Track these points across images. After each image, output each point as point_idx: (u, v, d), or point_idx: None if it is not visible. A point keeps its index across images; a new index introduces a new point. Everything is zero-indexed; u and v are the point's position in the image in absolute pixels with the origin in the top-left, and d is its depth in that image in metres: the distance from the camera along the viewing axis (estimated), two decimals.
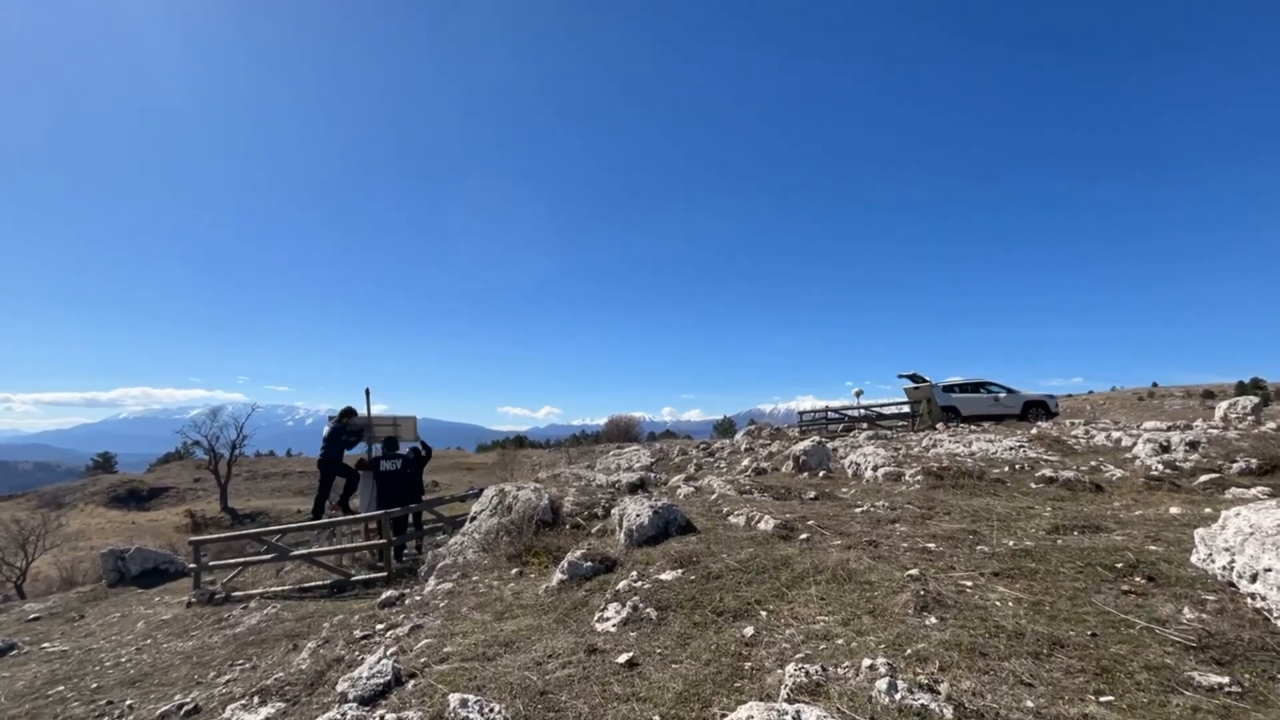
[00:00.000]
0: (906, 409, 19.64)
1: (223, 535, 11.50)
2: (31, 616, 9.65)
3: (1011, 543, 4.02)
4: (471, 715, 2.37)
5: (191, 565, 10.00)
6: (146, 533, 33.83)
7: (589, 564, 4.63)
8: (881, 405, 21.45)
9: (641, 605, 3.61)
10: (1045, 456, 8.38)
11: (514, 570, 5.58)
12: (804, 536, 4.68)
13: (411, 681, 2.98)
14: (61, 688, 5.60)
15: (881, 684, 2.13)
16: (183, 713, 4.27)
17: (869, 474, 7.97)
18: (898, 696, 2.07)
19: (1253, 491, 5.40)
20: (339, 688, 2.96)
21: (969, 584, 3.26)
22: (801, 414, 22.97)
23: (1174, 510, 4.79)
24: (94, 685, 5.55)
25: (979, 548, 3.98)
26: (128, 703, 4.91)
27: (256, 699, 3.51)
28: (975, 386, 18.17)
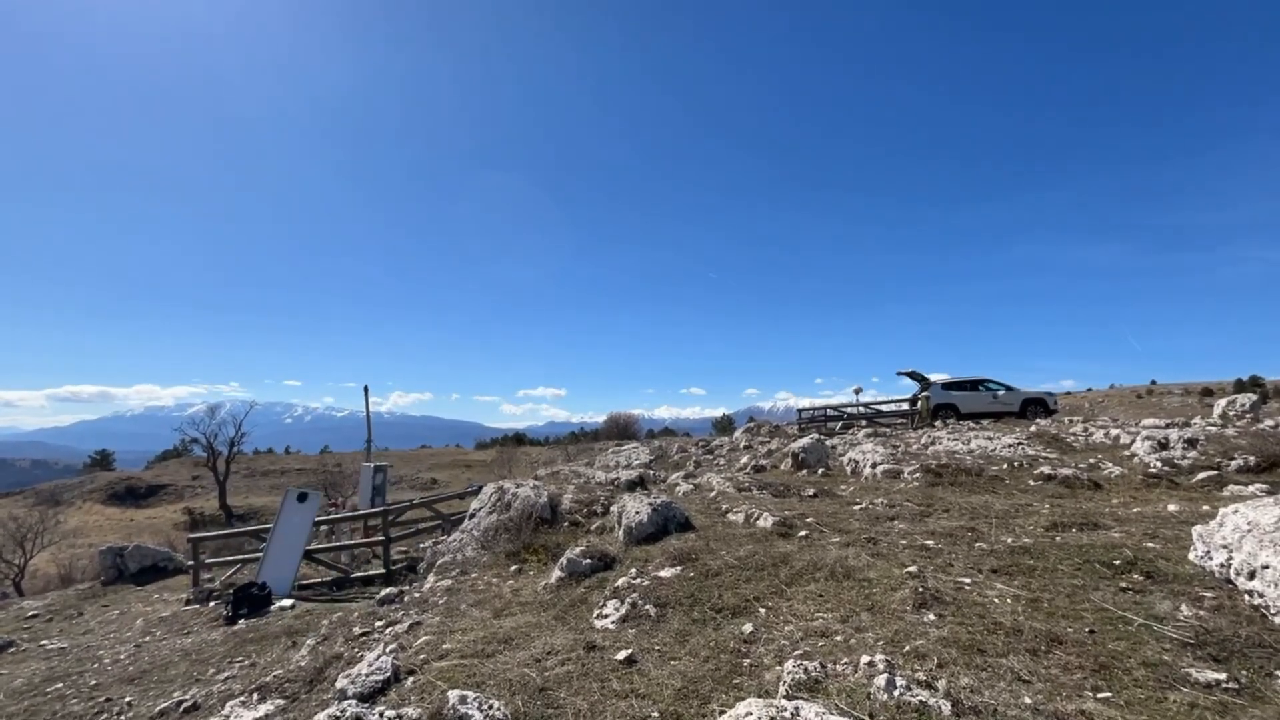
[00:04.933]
0: (905, 406, 19.67)
1: (221, 532, 11.51)
2: (30, 614, 9.64)
3: (1010, 540, 4.03)
4: (471, 712, 2.37)
5: (190, 563, 10.02)
6: (145, 530, 33.78)
7: (588, 561, 4.64)
8: (880, 403, 21.47)
9: (640, 602, 3.61)
10: (1044, 454, 8.39)
11: (513, 567, 5.59)
12: (803, 534, 4.68)
13: (411, 678, 2.98)
14: (60, 685, 5.59)
15: (880, 680, 2.14)
16: (181, 710, 4.27)
17: (868, 471, 7.98)
18: (896, 693, 2.07)
19: (1251, 489, 5.41)
20: (338, 684, 2.96)
21: (967, 581, 3.26)
22: (800, 411, 22.98)
23: (1172, 507, 4.81)
24: (93, 682, 5.55)
25: (977, 545, 3.99)
26: (126, 700, 4.91)
27: (256, 696, 3.51)
28: (974, 384, 18.16)
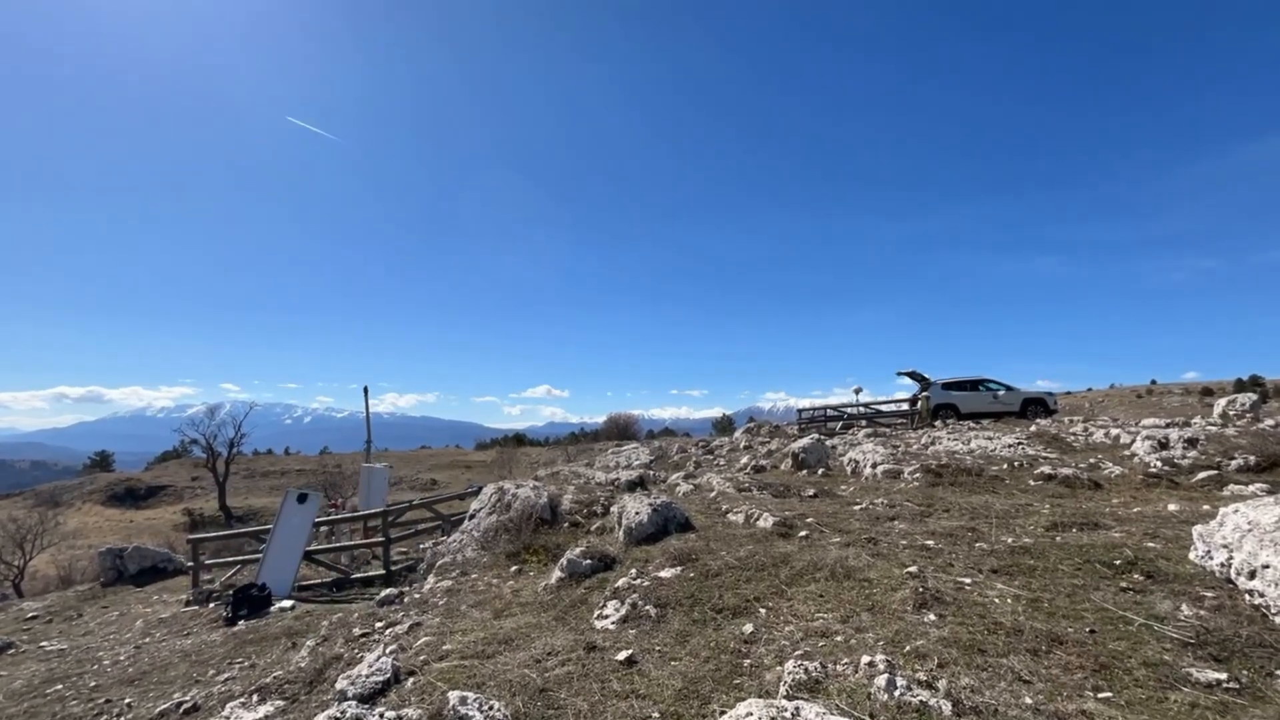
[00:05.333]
0: (905, 406, 19.68)
1: (221, 533, 11.49)
2: (29, 615, 9.64)
3: (1010, 540, 4.03)
4: (471, 712, 2.37)
5: (189, 564, 10.01)
6: (144, 531, 33.76)
7: (588, 562, 4.63)
8: (880, 403, 21.51)
9: (641, 603, 3.61)
10: (1044, 454, 8.39)
11: (513, 568, 5.58)
12: (803, 534, 4.68)
13: (411, 679, 2.98)
14: (60, 686, 5.59)
15: (880, 681, 2.13)
16: (181, 711, 4.27)
17: (868, 471, 7.98)
18: (896, 693, 2.07)
19: (1251, 488, 5.41)
20: (338, 685, 2.96)
21: (968, 581, 3.26)
22: (800, 411, 22.98)
23: (1172, 507, 4.80)
24: (92, 684, 5.55)
25: (978, 545, 3.99)
26: (126, 701, 4.91)
27: (255, 697, 3.51)
28: (974, 384, 18.18)
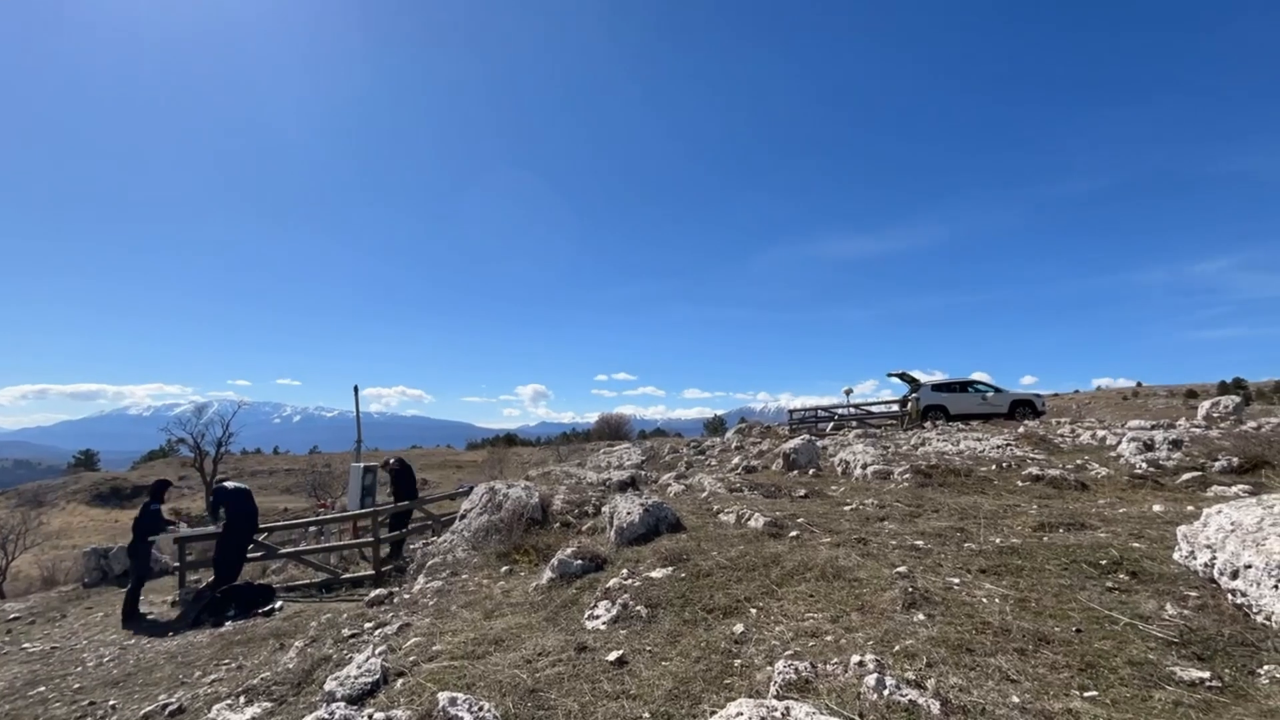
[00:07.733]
0: (895, 408, 19.83)
1: (208, 533, 11.36)
2: (11, 616, 9.50)
3: (998, 540, 4.06)
4: (460, 713, 2.36)
5: (175, 564, 9.90)
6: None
7: (579, 562, 4.63)
8: (871, 404, 21.65)
9: (631, 603, 3.61)
10: (1032, 455, 8.48)
11: (504, 568, 5.56)
12: (793, 534, 4.70)
13: (400, 680, 2.96)
14: (42, 688, 5.51)
15: (870, 680, 2.14)
16: (167, 713, 4.21)
17: (858, 472, 8.02)
18: (886, 693, 2.08)
19: (1234, 489, 5.50)
20: (327, 686, 2.94)
21: (956, 581, 3.29)
22: (791, 412, 23.08)
23: (1157, 508, 4.87)
24: (76, 685, 5.47)
25: (966, 545, 4.02)
26: (111, 703, 4.84)
27: (243, 698, 3.47)
28: (963, 385, 18.35)
